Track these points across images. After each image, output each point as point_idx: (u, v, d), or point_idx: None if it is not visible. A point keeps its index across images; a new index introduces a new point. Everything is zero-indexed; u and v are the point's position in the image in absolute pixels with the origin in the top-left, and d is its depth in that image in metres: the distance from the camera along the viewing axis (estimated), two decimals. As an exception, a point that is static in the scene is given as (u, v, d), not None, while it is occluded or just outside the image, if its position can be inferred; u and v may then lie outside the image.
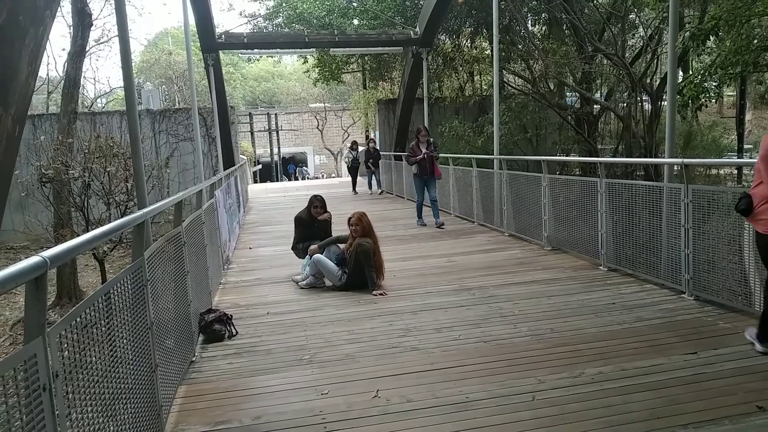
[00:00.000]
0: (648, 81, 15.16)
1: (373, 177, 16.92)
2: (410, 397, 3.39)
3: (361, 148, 18.48)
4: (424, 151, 9.56)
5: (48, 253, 1.85)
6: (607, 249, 6.24)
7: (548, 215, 7.46)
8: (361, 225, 6.00)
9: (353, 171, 17.79)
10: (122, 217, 9.34)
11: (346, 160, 18.45)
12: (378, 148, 17.56)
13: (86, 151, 9.86)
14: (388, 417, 3.17)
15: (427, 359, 3.98)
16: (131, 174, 9.01)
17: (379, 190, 16.83)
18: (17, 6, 2.51)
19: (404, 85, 17.15)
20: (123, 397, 2.50)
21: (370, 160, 16.64)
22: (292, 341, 4.52)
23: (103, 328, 2.36)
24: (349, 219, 6.10)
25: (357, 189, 17.48)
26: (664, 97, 14.33)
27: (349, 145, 19.09)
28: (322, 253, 6.17)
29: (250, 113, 38.21)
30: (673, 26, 6.02)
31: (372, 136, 20.44)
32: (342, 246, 6.20)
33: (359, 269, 5.90)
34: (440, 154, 13.85)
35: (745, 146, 19.18)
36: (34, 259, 1.73)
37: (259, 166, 34.72)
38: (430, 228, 10.02)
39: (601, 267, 6.27)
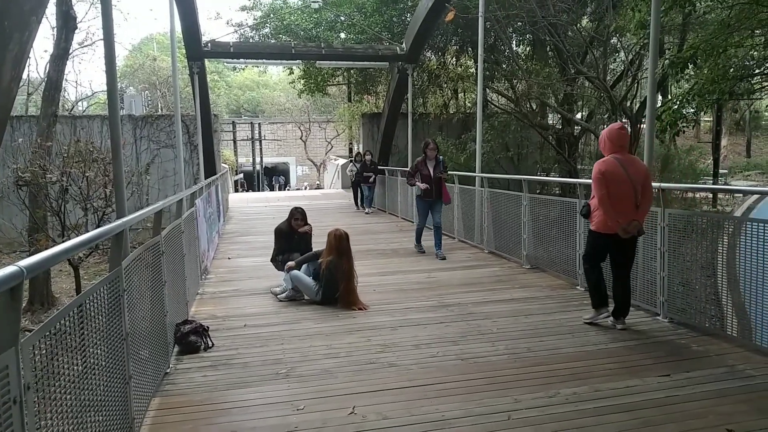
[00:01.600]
0: (628, 104, 15.48)
1: (366, 193, 15.42)
2: (387, 414, 3.38)
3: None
4: (431, 171, 8.35)
5: (25, 262, 1.81)
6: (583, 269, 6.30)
7: (528, 234, 7.53)
8: (336, 243, 5.93)
9: (357, 185, 15.98)
10: (99, 222, 9.23)
11: (349, 173, 16.69)
12: (376, 161, 16.04)
13: (65, 155, 9.71)
14: (363, 434, 3.15)
15: (404, 376, 3.98)
16: (110, 180, 8.89)
17: (368, 210, 15.26)
18: (2, 11, 2.48)
19: (389, 99, 17.26)
20: (95, 408, 2.46)
21: (367, 174, 15.14)
22: (269, 355, 4.48)
23: (77, 339, 2.32)
24: (329, 233, 6.09)
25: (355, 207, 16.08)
26: (643, 120, 14.64)
27: (352, 157, 17.78)
28: (299, 269, 6.15)
29: (233, 122, 38.02)
30: (654, 53, 6.17)
31: (358, 149, 19.11)
32: (319, 261, 6.18)
33: (332, 284, 5.86)
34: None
35: (721, 171, 19.63)
36: (10, 269, 1.70)
37: (240, 176, 34.51)
38: (410, 242, 10.01)
39: (578, 287, 6.33)
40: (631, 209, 4.71)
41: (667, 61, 8.38)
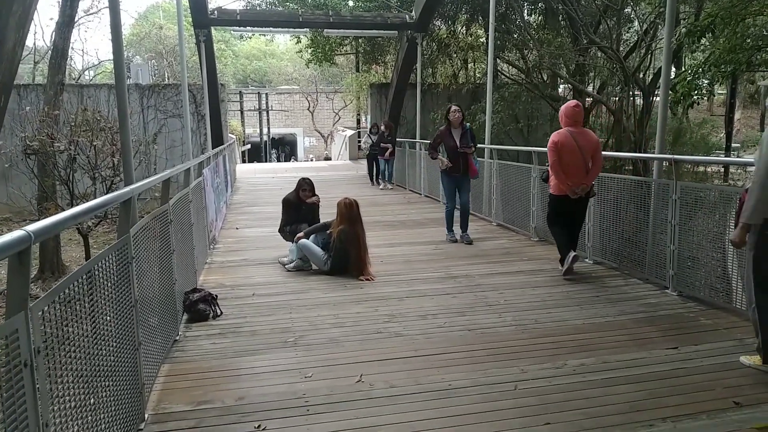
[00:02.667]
0: (641, 76, 15.20)
1: (382, 167, 14.20)
2: (393, 382, 3.41)
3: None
4: (457, 141, 7.17)
5: (32, 227, 1.81)
6: (593, 242, 6.28)
7: (537, 206, 7.48)
8: (347, 211, 5.96)
9: (372, 159, 14.75)
10: (108, 192, 9.24)
11: (364, 145, 15.39)
12: (394, 132, 14.67)
13: (73, 124, 9.67)
14: (371, 402, 3.18)
15: (411, 346, 4.00)
16: (118, 149, 8.87)
17: (390, 185, 14.07)
18: (5, -28, 2.45)
19: (398, 69, 17.04)
20: (105, 374, 2.48)
21: (384, 146, 13.87)
22: (277, 323, 4.51)
23: (87, 305, 2.33)
24: (338, 203, 6.07)
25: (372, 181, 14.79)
26: (656, 92, 14.40)
27: (359, 128, 17.27)
28: (308, 239, 6.16)
29: (240, 92, 37.77)
30: (670, 21, 6.01)
31: (374, 121, 16.82)
32: (329, 231, 6.18)
33: (342, 254, 5.88)
34: (429, 141, 13.54)
35: (733, 145, 19.36)
36: (18, 233, 1.70)
37: (248, 146, 34.40)
38: (418, 214, 9.99)
39: (586, 260, 6.31)
40: (581, 174, 5.49)
41: (683, 30, 8.18)
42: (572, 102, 5.90)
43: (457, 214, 7.62)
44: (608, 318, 4.51)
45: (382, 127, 14.19)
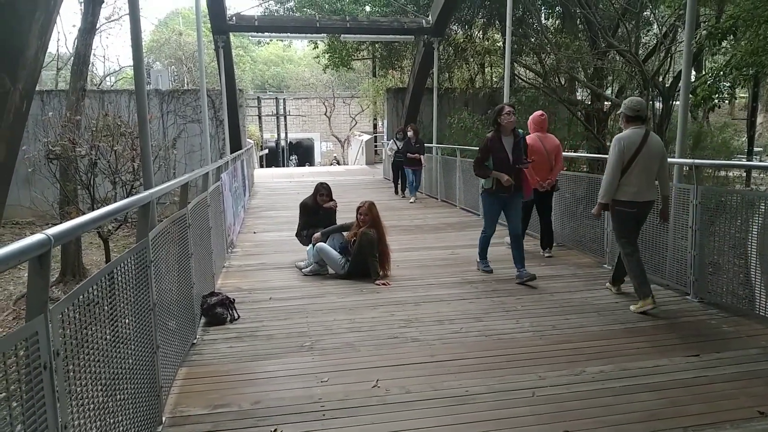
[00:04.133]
0: (660, 79, 15.02)
1: (410, 178, 12.48)
2: (409, 388, 3.39)
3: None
4: (509, 153, 5.66)
5: (52, 230, 1.83)
6: (611, 248, 6.20)
7: (554, 211, 7.40)
8: (371, 215, 6.00)
9: (398, 168, 13.15)
10: (128, 196, 9.35)
11: (390, 152, 13.93)
12: (422, 138, 12.93)
13: (94, 129, 9.81)
14: (386, 407, 3.17)
15: (427, 351, 3.98)
16: (138, 153, 8.97)
17: (412, 199, 12.30)
18: (28, -20, 2.50)
19: (414, 74, 17.03)
20: (124, 376, 2.50)
21: (412, 156, 12.12)
22: (294, 327, 4.52)
23: (106, 308, 2.35)
24: (359, 207, 6.08)
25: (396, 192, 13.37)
26: (676, 96, 14.21)
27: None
28: (325, 241, 6.16)
29: (258, 97, 38.07)
30: (690, 24, 5.93)
31: (400, 126, 14.91)
32: (346, 234, 6.19)
33: (362, 258, 5.89)
34: (446, 145, 13.16)
35: (756, 149, 19.01)
36: (38, 237, 1.72)
37: (266, 151, 34.63)
38: (434, 218, 9.97)
39: (605, 265, 6.23)
40: (547, 171, 6.59)
41: (704, 32, 8.06)
42: (538, 112, 6.96)
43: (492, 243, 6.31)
44: (627, 325, 4.44)
45: (410, 133, 12.33)
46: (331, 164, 33.80)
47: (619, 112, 7.25)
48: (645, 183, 4.73)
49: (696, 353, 3.82)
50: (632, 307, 4.76)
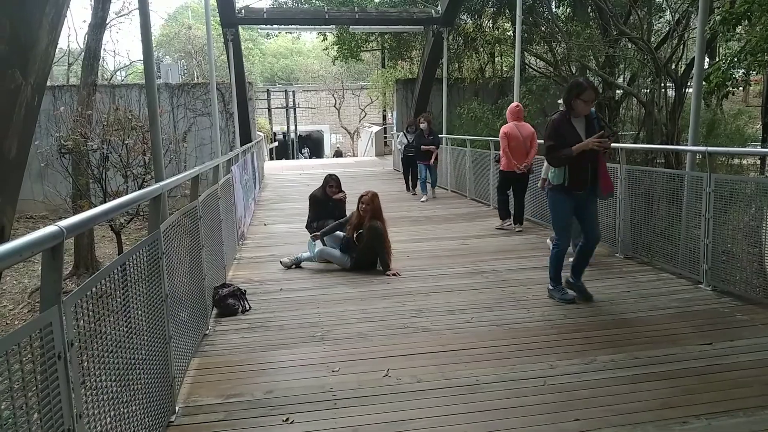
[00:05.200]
0: (673, 67, 14.83)
1: (422, 175, 11.24)
2: (421, 377, 3.40)
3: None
4: (582, 135, 4.49)
5: (65, 222, 1.85)
6: (624, 236, 6.17)
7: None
8: (372, 206, 5.93)
9: (408, 163, 12.09)
10: (139, 189, 9.42)
11: (399, 146, 12.88)
12: (435, 130, 11.63)
13: (105, 123, 9.89)
14: (398, 396, 3.18)
15: (438, 340, 3.99)
16: (149, 147, 9.03)
17: (425, 197, 11.07)
18: (38, -26, 2.51)
19: (424, 64, 16.95)
20: (137, 367, 2.53)
21: (426, 148, 10.89)
22: (305, 318, 4.54)
23: (119, 299, 2.38)
24: (361, 197, 6.02)
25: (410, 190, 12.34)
26: (689, 83, 14.02)
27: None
28: (322, 240, 6.16)
29: (267, 90, 38.08)
30: (703, 9, 5.85)
31: (413, 119, 13.37)
32: (347, 230, 6.13)
33: (369, 251, 5.86)
34: (456, 136, 13.08)
35: (770, 136, 18.71)
36: (50, 229, 1.74)
37: (276, 144, 34.68)
38: (444, 209, 9.94)
39: (617, 254, 6.20)
40: (523, 156, 7.62)
41: (718, 17, 7.93)
42: (514, 104, 8.11)
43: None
44: (639, 313, 4.42)
45: (423, 125, 10.97)
46: (335, 156, 33.72)
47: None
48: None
49: (709, 342, 3.79)
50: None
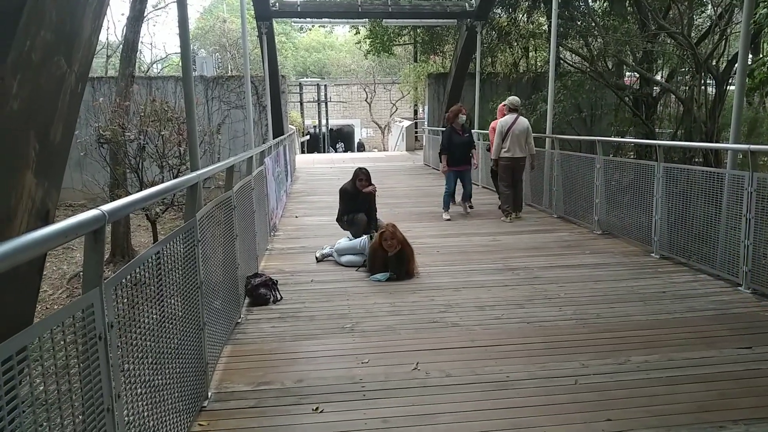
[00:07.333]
0: (714, 63, 14.40)
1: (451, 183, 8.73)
2: (449, 372, 3.39)
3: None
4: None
5: (106, 207, 1.90)
6: (660, 236, 6.03)
7: (600, 198, 7.24)
8: (396, 239, 5.48)
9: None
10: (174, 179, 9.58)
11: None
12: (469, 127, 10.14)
13: (142, 114, 10.08)
14: (427, 390, 3.18)
15: (467, 336, 3.97)
16: (184, 138, 9.18)
17: (468, 206, 8.96)
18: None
19: (456, 59, 16.82)
20: (171, 352, 2.58)
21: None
22: (335, 309, 4.57)
23: (155, 285, 2.43)
24: (382, 232, 5.56)
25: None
26: (730, 80, 13.61)
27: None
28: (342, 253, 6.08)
29: (300, 83, 38.30)
30: (749, 2, 5.66)
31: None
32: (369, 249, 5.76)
33: (405, 265, 5.51)
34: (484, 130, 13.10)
35: (816, 136, 18.03)
36: (93, 212, 1.78)
37: (307, 137, 34.90)
38: (475, 204, 9.83)
39: (653, 254, 6.07)
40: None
41: (763, 11, 7.67)
42: (503, 104, 8.60)
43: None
44: (675, 315, 4.32)
45: (463, 116, 8.62)
46: (358, 150, 33.76)
47: (506, 103, 8.48)
48: (516, 147, 8.02)
49: (748, 346, 3.68)
50: (502, 219, 8.20)
